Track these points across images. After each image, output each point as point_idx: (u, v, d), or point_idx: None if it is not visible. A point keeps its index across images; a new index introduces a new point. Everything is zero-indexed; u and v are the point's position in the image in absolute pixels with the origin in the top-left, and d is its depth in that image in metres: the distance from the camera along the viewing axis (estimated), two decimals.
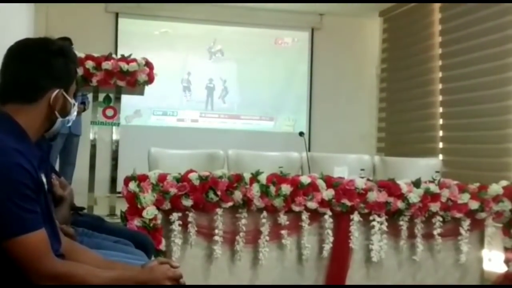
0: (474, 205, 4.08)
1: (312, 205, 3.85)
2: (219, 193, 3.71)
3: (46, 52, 1.67)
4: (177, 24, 8.06)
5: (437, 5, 7.09)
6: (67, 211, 2.32)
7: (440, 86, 7.02)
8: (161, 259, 1.89)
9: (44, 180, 1.65)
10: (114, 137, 5.21)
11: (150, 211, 3.61)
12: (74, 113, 1.80)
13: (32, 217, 1.53)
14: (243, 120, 8.29)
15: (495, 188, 4.16)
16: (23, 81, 1.65)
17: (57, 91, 1.68)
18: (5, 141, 1.54)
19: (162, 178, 3.70)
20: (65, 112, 1.73)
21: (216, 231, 3.72)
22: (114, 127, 5.16)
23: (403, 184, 4.01)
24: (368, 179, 4.05)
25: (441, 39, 7.02)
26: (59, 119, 1.71)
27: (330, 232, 3.88)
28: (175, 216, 3.67)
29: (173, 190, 3.66)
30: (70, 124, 1.84)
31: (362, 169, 4.38)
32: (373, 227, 3.93)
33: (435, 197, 4.01)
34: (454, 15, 6.70)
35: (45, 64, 1.66)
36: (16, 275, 1.54)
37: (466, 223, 4.09)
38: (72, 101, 1.74)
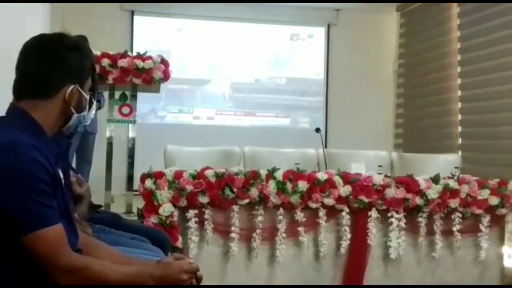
0: (494, 201, 4.01)
1: (329, 201, 3.81)
2: (235, 190, 3.69)
3: (61, 48, 1.67)
4: (192, 21, 8.06)
5: None
6: (85, 209, 2.33)
7: (458, 81, 6.93)
8: (177, 255, 1.88)
9: (61, 175, 1.65)
10: (130, 134, 5.23)
11: (166, 208, 3.60)
12: (92, 111, 1.80)
13: (49, 211, 1.53)
14: (259, 117, 8.27)
15: None
16: (38, 77, 1.65)
17: (72, 86, 1.68)
18: (21, 137, 1.54)
19: (178, 175, 3.69)
20: (80, 108, 1.73)
21: (233, 228, 3.70)
22: (130, 125, 5.17)
23: (422, 180, 3.95)
24: (386, 175, 4.00)
25: (460, 33, 6.93)
26: (75, 115, 1.71)
27: (347, 229, 3.84)
28: (191, 213, 3.65)
29: (189, 187, 3.65)
30: (88, 122, 1.84)
31: (380, 166, 4.35)
32: (391, 223, 3.88)
33: (454, 193, 3.95)
34: (473, 9, 6.61)
35: (60, 60, 1.66)
36: (33, 270, 1.54)
37: (486, 219, 4.02)
38: (87, 96, 1.74)
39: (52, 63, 1.65)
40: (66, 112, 1.69)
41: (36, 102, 1.64)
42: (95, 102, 1.83)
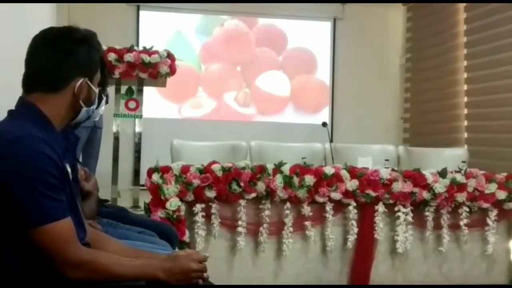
0: (501, 195, 3.99)
1: (336, 196, 3.81)
2: (242, 184, 3.68)
3: (69, 41, 1.67)
4: (198, 16, 8.05)
5: None
6: (94, 205, 2.33)
7: (465, 75, 6.91)
8: (189, 251, 1.88)
9: (69, 169, 1.66)
10: (137, 129, 5.23)
11: (173, 203, 3.60)
12: (102, 106, 1.80)
13: (58, 205, 1.53)
14: (265, 112, 8.26)
15: None
16: (47, 70, 1.65)
17: (81, 80, 1.67)
18: (30, 130, 1.55)
19: (185, 169, 3.69)
20: (89, 102, 1.72)
21: (240, 222, 3.70)
22: (136, 120, 5.18)
23: (429, 174, 3.94)
24: (393, 169, 3.99)
25: (466, 27, 6.90)
26: (84, 108, 1.71)
27: (354, 223, 3.83)
28: (198, 207, 3.66)
29: (196, 182, 3.65)
30: (97, 118, 1.84)
31: (387, 160, 4.33)
32: (398, 218, 3.88)
33: (461, 187, 3.94)
34: (479, 4, 6.57)
35: (69, 53, 1.66)
36: (38, 260, 1.54)
37: (493, 213, 4.01)
38: (96, 90, 1.74)
39: (61, 56, 1.65)
40: (75, 106, 1.69)
41: (45, 96, 1.64)
42: (104, 98, 1.82)
